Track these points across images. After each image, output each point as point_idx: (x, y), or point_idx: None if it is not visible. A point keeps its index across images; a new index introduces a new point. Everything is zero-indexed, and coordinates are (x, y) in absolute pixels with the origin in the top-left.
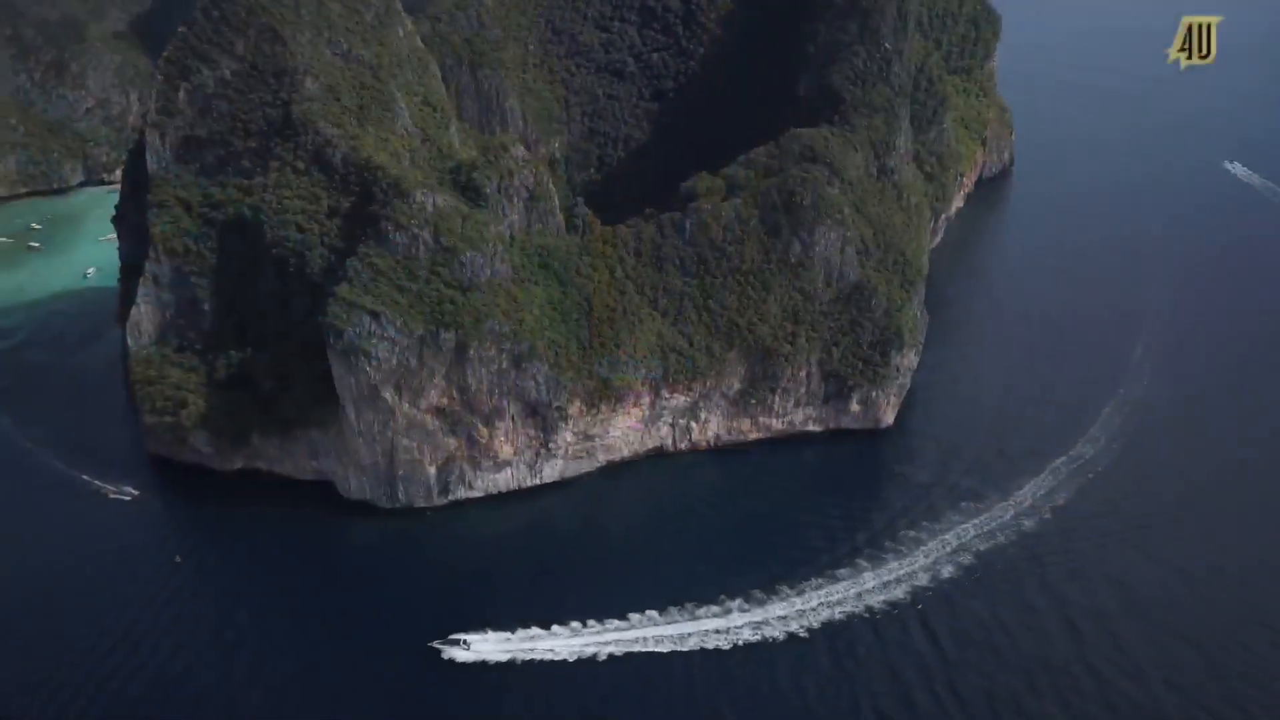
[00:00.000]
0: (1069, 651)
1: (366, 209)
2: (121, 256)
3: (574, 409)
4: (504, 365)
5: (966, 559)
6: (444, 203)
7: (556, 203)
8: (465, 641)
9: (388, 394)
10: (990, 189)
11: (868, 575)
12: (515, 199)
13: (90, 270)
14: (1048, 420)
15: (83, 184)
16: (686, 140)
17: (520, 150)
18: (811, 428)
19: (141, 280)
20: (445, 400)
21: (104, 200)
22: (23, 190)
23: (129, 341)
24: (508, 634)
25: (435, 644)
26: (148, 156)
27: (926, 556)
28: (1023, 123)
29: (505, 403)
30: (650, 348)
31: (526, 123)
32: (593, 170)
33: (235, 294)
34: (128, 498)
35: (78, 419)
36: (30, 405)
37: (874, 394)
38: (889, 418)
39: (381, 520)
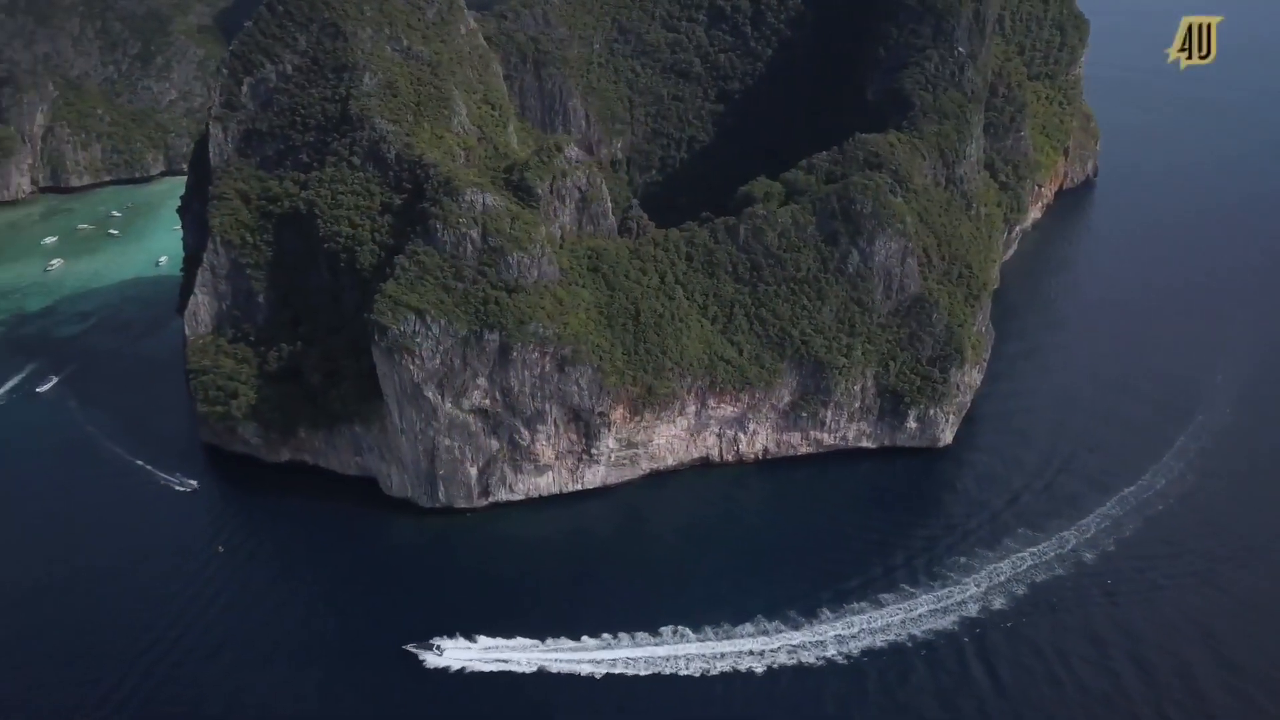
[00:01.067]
0: (1130, 694)
1: (417, 206)
2: (185, 246)
3: (617, 415)
4: (547, 368)
5: (1021, 590)
6: (493, 202)
7: (609, 205)
8: (439, 647)
9: (430, 393)
10: (1071, 201)
11: (915, 602)
12: (567, 200)
13: (162, 259)
14: (1117, 446)
15: (163, 173)
16: (751, 143)
17: (574, 151)
18: (865, 444)
19: (200, 270)
20: (487, 401)
21: (181, 190)
22: (106, 178)
23: (186, 330)
24: (537, 641)
25: (410, 647)
26: (210, 149)
27: (978, 585)
28: (1109, 133)
29: (547, 406)
30: (697, 355)
31: (589, 123)
32: (654, 172)
33: (289, 287)
34: (187, 489)
35: (138, 405)
36: (95, 390)
37: (932, 411)
38: (947, 437)
39: (421, 519)
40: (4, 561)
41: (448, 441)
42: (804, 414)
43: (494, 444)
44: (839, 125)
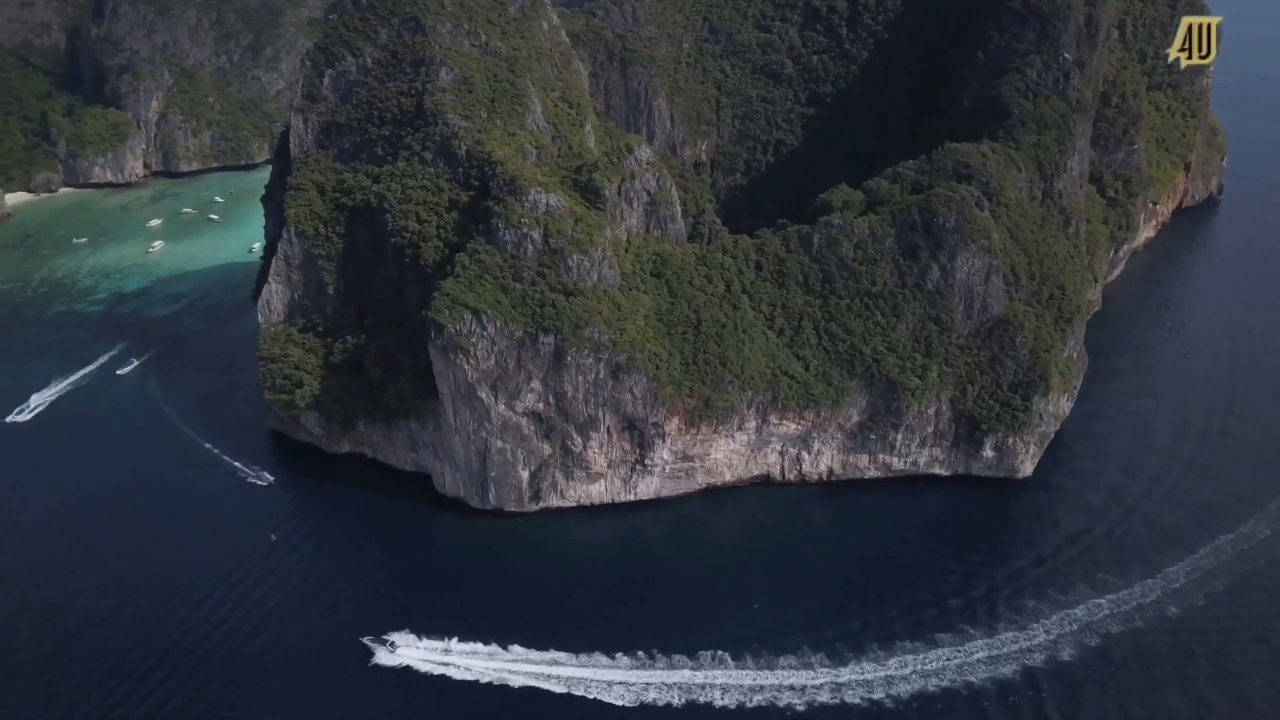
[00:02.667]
0: None
1: (482, 204)
2: (266, 235)
3: (672, 426)
4: (601, 374)
5: (1094, 641)
6: (557, 203)
7: (678, 209)
8: (392, 643)
9: (483, 393)
10: (1191, 219)
11: (974, 645)
12: (635, 203)
13: (255, 245)
14: (1216, 490)
15: (267, 162)
16: (841, 149)
17: (645, 153)
18: (937, 470)
19: (274, 259)
20: (541, 405)
21: None
22: (214, 165)
23: (259, 317)
24: (571, 654)
25: (365, 640)
26: (291, 140)
27: (1047, 632)
28: (1239, 147)
29: (601, 413)
30: (759, 369)
31: (674, 123)
32: (739, 175)
33: (358, 279)
34: (252, 476)
35: (215, 389)
36: (177, 371)
37: (1011, 440)
38: (1027, 468)
39: (472, 520)
40: (58, 530)
41: (500, 443)
42: (873, 436)
43: (546, 448)
44: (934, 132)
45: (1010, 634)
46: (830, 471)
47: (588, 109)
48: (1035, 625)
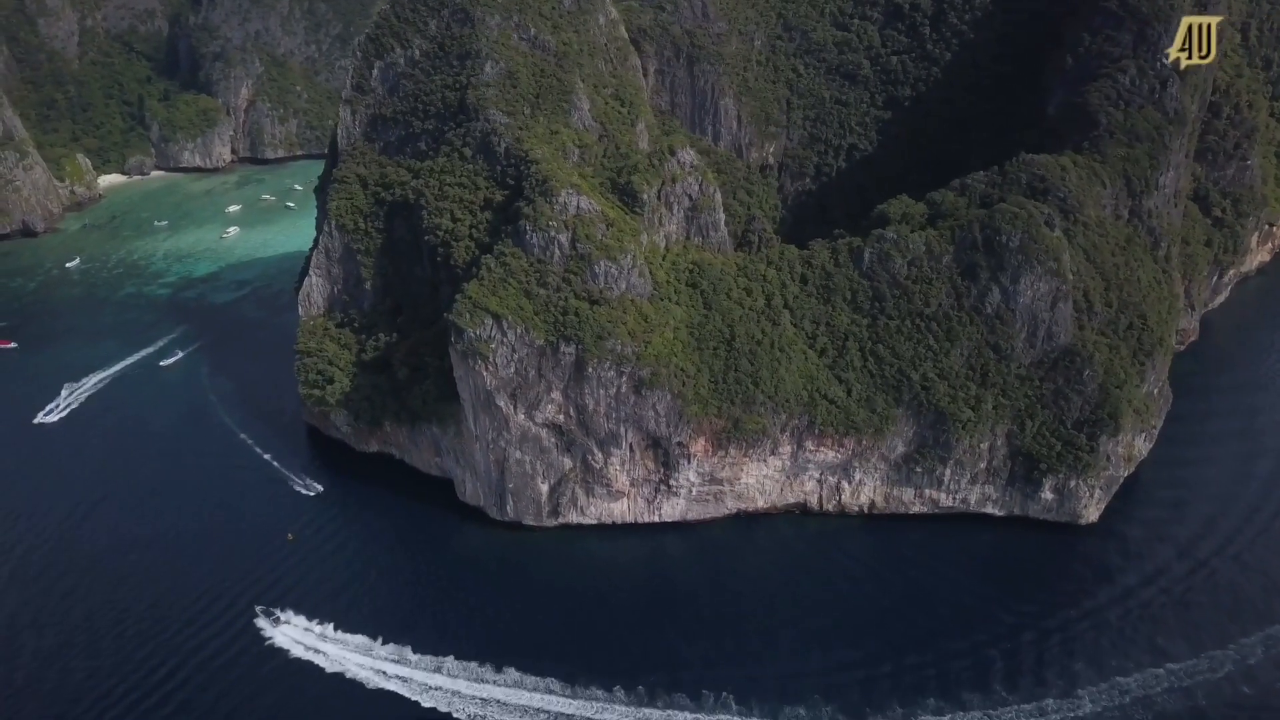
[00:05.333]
0: None
1: (514, 204)
2: (317, 227)
3: (698, 447)
4: (623, 389)
5: (1146, 719)
6: (588, 206)
7: (721, 215)
8: (276, 616)
9: (502, 402)
10: None
11: (1007, 711)
12: (675, 208)
13: None
14: None
15: None
16: (919, 155)
17: (688, 155)
18: (990, 510)
19: (314, 252)
20: (561, 417)
21: None
22: (299, 153)
23: (300, 310)
24: (565, 684)
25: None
26: (339, 132)
27: (1093, 702)
28: None
29: (623, 429)
30: (795, 391)
31: (740, 124)
32: (808, 180)
33: (394, 275)
34: (296, 482)
35: (260, 380)
36: (227, 359)
37: (1073, 483)
38: (1091, 514)
39: (490, 531)
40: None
41: (518, 454)
42: (919, 469)
43: (566, 462)
44: (1018, 141)
45: (1051, 700)
46: (872, 504)
47: (643, 107)
48: (1081, 692)
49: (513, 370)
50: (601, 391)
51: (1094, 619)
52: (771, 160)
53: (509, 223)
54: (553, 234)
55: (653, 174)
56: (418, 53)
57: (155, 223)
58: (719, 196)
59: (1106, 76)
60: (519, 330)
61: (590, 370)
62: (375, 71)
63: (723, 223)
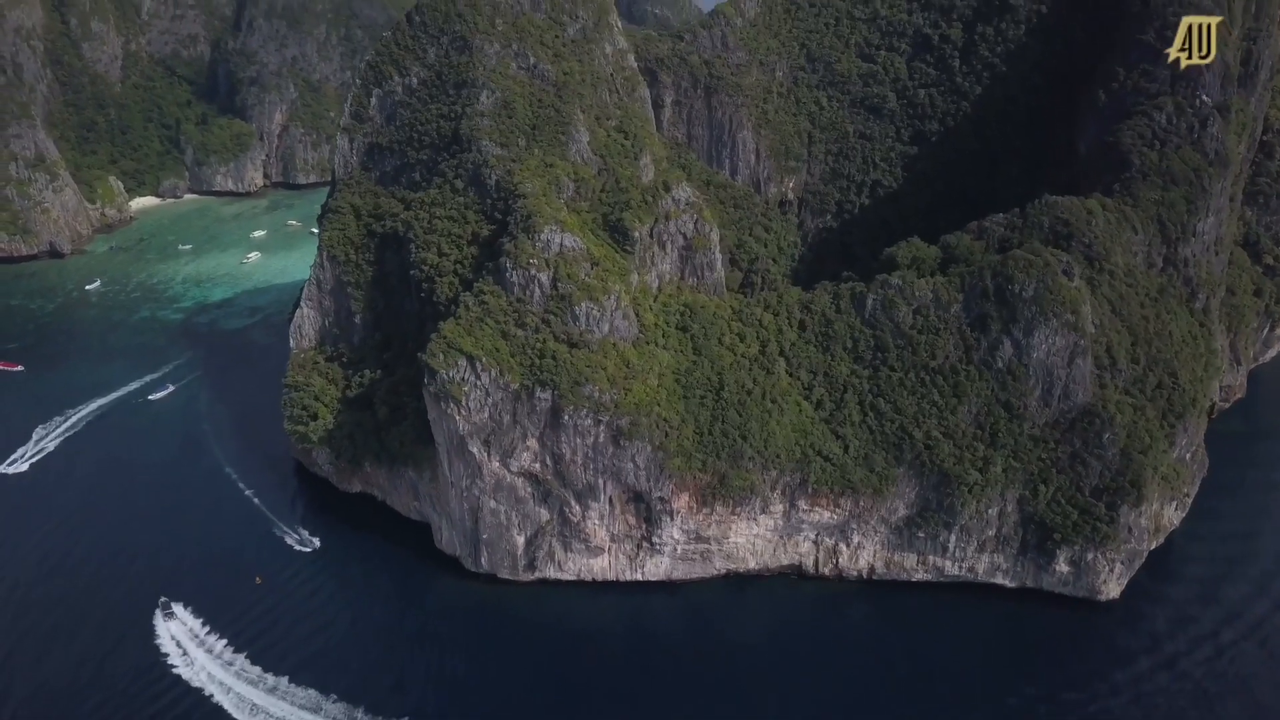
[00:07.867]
0: None
1: (499, 239)
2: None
3: (681, 503)
4: (600, 438)
5: None
6: (572, 244)
7: (717, 255)
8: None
9: (475, 448)
10: None
11: None
12: (669, 247)
13: None
14: None
15: None
16: (946, 193)
17: (684, 192)
18: (1000, 581)
19: (308, 284)
20: (537, 466)
21: None
22: (329, 179)
23: (291, 342)
24: None
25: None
26: (336, 160)
27: None
28: None
29: (601, 481)
30: (787, 446)
31: (759, 157)
32: (829, 217)
33: (385, 309)
34: (309, 548)
35: (255, 410)
36: (225, 388)
37: (1090, 555)
38: (1112, 589)
39: (465, 583)
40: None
41: (492, 504)
42: (921, 534)
43: (543, 514)
44: (1048, 181)
45: None
46: (871, 569)
47: (649, 140)
48: None
49: (486, 415)
50: (578, 440)
51: (1109, 706)
52: (791, 196)
53: (494, 259)
54: (533, 272)
55: (645, 211)
56: (415, 81)
57: (180, 246)
58: (715, 235)
59: (1142, 114)
60: (493, 373)
61: (566, 418)
62: (374, 99)
63: (719, 263)
